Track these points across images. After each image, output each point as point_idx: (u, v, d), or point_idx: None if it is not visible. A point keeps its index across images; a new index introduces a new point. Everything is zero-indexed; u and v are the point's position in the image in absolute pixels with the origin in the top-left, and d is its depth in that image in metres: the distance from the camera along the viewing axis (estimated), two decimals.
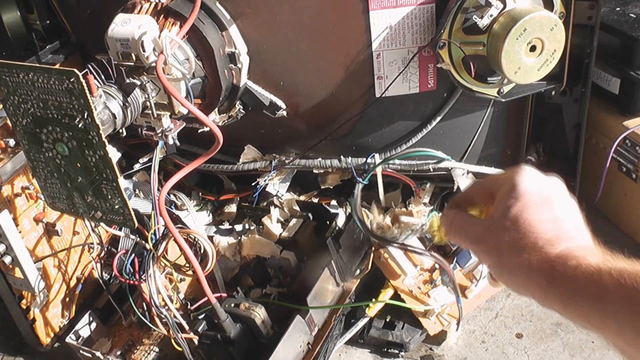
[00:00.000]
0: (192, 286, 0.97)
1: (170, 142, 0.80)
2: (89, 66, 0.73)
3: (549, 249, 0.40)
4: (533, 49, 0.79)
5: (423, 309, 0.90)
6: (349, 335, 0.93)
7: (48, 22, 0.99)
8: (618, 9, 1.02)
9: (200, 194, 1.12)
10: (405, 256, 0.93)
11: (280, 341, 0.81)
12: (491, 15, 0.79)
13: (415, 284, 0.93)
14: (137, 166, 1.02)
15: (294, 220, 1.02)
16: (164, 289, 0.85)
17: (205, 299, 0.83)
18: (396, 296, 0.94)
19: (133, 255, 0.86)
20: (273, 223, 1.03)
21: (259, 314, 0.83)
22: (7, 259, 0.81)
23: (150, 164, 0.85)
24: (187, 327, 0.85)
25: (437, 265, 0.94)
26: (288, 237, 1.00)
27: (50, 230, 0.90)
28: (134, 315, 0.92)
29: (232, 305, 0.85)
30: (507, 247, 0.41)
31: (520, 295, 0.43)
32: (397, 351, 0.93)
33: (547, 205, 0.41)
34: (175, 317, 0.84)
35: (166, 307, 0.84)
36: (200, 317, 0.86)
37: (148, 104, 0.76)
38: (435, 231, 0.56)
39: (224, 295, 0.89)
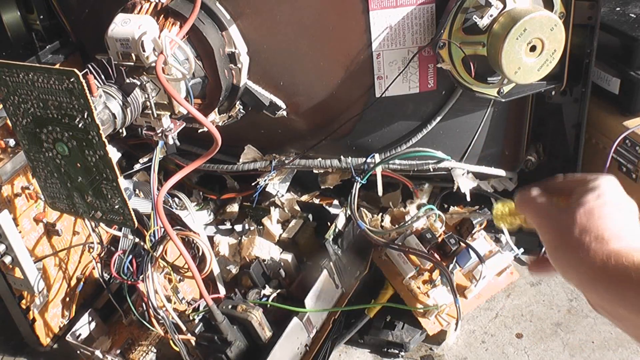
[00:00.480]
0: (192, 286, 0.97)
1: (170, 142, 0.80)
2: (89, 66, 0.73)
3: (611, 243, 0.43)
4: (533, 49, 0.79)
5: (422, 309, 0.90)
6: (348, 335, 0.93)
7: (47, 21, 0.99)
8: (618, 9, 1.02)
9: (202, 192, 1.12)
10: (405, 256, 0.93)
11: (277, 343, 0.81)
12: (491, 15, 0.79)
13: (414, 283, 0.93)
14: (137, 166, 1.02)
15: (294, 221, 1.02)
16: (162, 289, 0.85)
17: (202, 299, 0.83)
18: (396, 296, 0.94)
19: (131, 255, 0.86)
20: (273, 224, 1.03)
21: (256, 316, 0.83)
22: (7, 259, 0.81)
23: (150, 164, 0.85)
24: (184, 328, 0.85)
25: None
26: (288, 238, 1.00)
27: (50, 230, 0.90)
28: (134, 314, 0.92)
29: (230, 307, 0.84)
30: (575, 230, 0.45)
31: (566, 280, 0.47)
32: (397, 351, 0.93)
33: (621, 209, 0.46)
34: (172, 318, 0.84)
35: (164, 308, 0.84)
36: (198, 318, 0.86)
37: (148, 104, 0.76)
38: (506, 216, 0.56)
39: (222, 296, 0.89)
